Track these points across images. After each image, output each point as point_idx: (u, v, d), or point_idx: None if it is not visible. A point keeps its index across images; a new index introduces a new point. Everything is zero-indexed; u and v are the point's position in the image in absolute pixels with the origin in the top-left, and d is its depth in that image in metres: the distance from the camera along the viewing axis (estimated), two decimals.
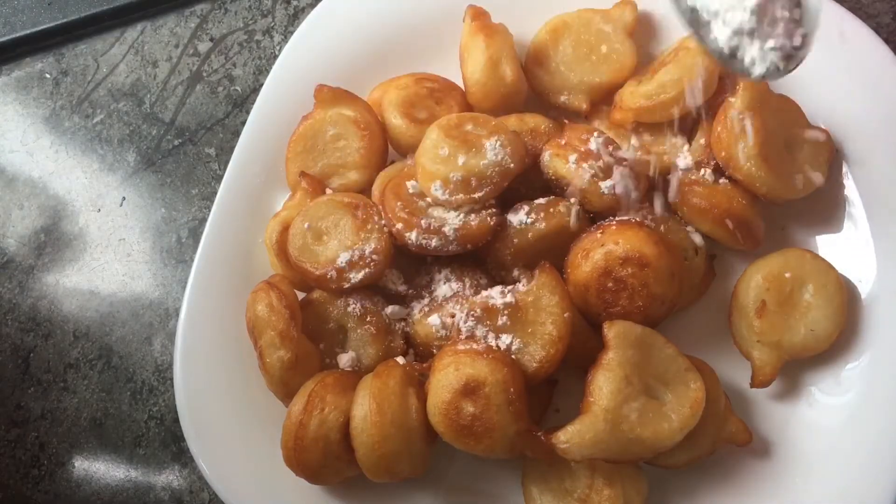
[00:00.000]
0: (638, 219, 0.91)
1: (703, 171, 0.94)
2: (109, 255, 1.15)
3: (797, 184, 0.92)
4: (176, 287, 1.11)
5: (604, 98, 1.01)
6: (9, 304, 1.15)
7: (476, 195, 0.90)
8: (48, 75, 1.24)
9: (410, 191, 0.93)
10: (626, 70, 1.00)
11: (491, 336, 0.87)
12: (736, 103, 0.90)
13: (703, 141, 0.95)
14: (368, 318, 0.93)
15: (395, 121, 1.00)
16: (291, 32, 1.19)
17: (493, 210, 0.91)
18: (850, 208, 0.95)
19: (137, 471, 1.05)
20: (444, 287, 0.94)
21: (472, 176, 0.89)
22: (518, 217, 0.91)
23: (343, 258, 0.91)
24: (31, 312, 1.14)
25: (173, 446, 1.06)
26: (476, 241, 0.90)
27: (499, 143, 0.90)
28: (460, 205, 0.91)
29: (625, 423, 0.81)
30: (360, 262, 0.91)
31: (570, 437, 0.81)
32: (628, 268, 0.86)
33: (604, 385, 0.82)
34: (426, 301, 0.95)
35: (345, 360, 0.93)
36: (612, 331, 0.83)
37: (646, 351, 0.84)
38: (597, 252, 0.87)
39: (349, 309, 0.93)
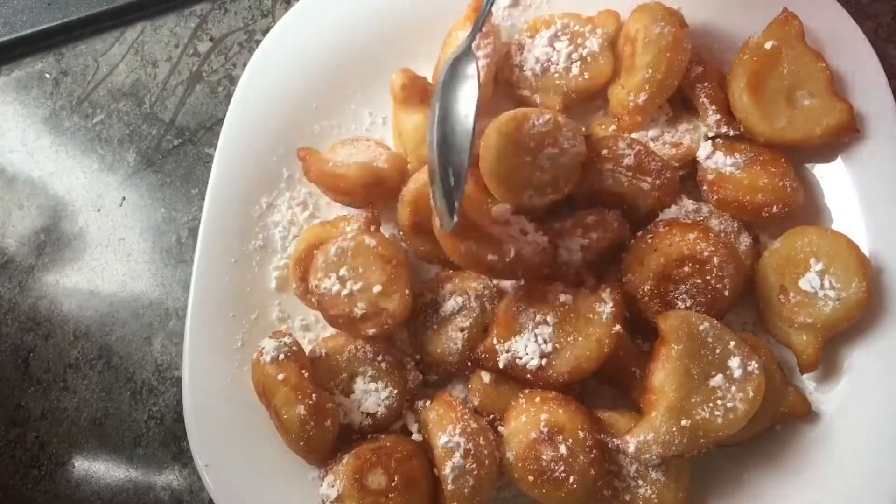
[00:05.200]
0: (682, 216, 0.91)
1: (724, 157, 0.94)
2: (109, 255, 1.15)
3: (779, 123, 0.93)
4: (176, 287, 1.11)
5: (576, 102, 1.01)
6: (9, 304, 1.15)
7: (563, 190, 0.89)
8: (48, 75, 1.24)
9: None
10: (604, 77, 1.00)
11: (530, 325, 0.87)
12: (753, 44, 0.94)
13: (712, 110, 0.96)
14: (380, 357, 0.93)
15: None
16: None
17: (544, 237, 0.89)
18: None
19: (137, 471, 1.05)
20: (451, 302, 0.93)
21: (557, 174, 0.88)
22: (575, 242, 0.90)
23: (360, 308, 0.90)
24: (31, 312, 1.14)
25: (173, 446, 1.06)
26: (534, 272, 0.89)
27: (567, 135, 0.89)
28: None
29: (691, 417, 0.81)
30: (375, 319, 0.90)
31: (640, 438, 0.81)
32: (686, 267, 0.86)
33: (666, 381, 0.81)
34: (435, 319, 0.94)
35: (364, 400, 0.92)
36: (667, 323, 0.83)
37: (702, 339, 0.83)
38: (652, 259, 0.88)
39: (359, 353, 0.93)
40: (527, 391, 0.88)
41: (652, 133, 0.98)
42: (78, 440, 1.08)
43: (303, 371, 0.89)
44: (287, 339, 0.91)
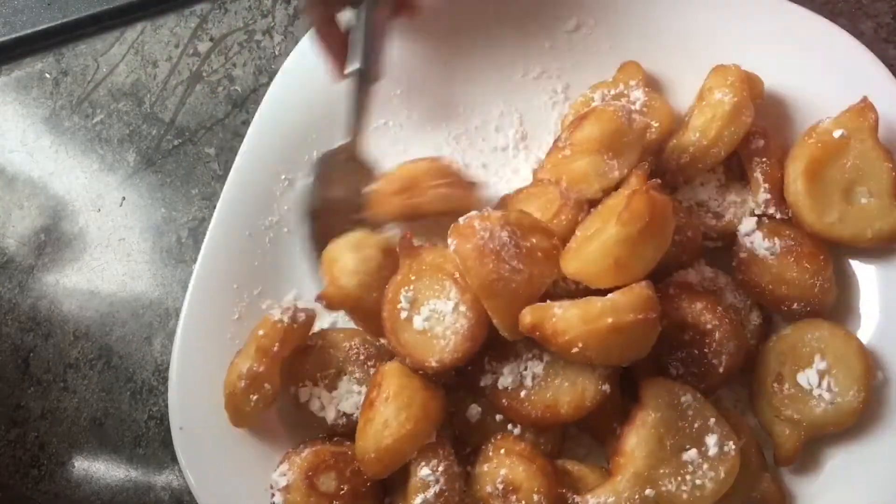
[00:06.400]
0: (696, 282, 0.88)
1: (762, 239, 0.89)
2: (109, 255, 1.15)
3: (830, 217, 0.88)
4: (176, 287, 1.11)
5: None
6: (9, 304, 1.15)
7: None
8: (48, 75, 1.24)
9: None
10: (669, 118, 0.96)
11: (524, 355, 0.85)
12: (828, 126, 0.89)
13: (764, 188, 0.91)
14: (371, 362, 0.92)
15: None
16: (291, 32, 1.19)
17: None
18: None
19: (137, 471, 1.05)
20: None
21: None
22: None
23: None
24: (31, 312, 1.14)
25: (173, 446, 1.05)
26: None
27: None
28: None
29: (656, 488, 0.78)
30: (448, 354, 0.84)
31: (599, 499, 0.79)
32: (686, 335, 0.83)
33: (637, 447, 0.78)
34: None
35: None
36: (649, 389, 0.80)
37: (681, 410, 0.80)
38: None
39: (351, 354, 0.93)
40: (498, 436, 0.86)
41: (699, 197, 0.94)
42: (78, 440, 1.08)
43: (277, 344, 0.88)
44: (301, 316, 0.92)
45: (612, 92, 0.98)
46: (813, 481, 0.87)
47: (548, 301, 0.81)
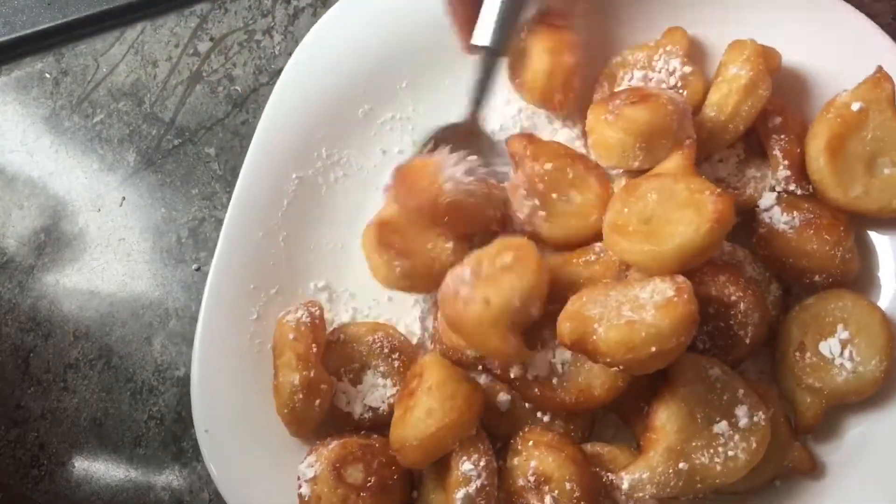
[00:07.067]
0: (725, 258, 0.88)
1: (781, 214, 0.90)
2: (109, 255, 1.15)
3: (855, 191, 0.88)
4: (176, 287, 1.11)
5: None
6: (9, 304, 1.15)
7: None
8: (48, 75, 1.24)
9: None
10: (699, 94, 0.94)
11: (550, 343, 0.85)
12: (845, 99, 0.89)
13: (784, 165, 0.91)
14: (395, 355, 0.93)
15: None
16: (291, 32, 1.19)
17: None
18: None
19: (137, 471, 1.05)
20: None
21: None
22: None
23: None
24: (31, 312, 1.14)
25: (173, 446, 1.06)
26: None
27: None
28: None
29: (689, 461, 0.79)
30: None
31: (634, 476, 0.79)
32: (710, 308, 0.83)
33: (668, 422, 0.79)
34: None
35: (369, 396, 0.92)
36: (677, 364, 0.80)
37: (710, 383, 0.81)
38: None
39: (375, 346, 0.93)
40: (526, 429, 0.86)
41: (719, 173, 0.94)
42: (78, 440, 1.08)
43: (313, 345, 0.89)
44: (315, 311, 0.92)
45: (654, 57, 0.96)
46: (836, 450, 0.88)
47: (585, 306, 0.80)
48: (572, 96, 0.97)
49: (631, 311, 0.77)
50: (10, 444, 1.09)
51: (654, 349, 0.75)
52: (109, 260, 1.15)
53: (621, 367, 0.77)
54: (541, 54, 0.95)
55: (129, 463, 1.06)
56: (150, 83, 1.21)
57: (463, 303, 0.81)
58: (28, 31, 1.23)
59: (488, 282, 0.80)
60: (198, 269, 1.11)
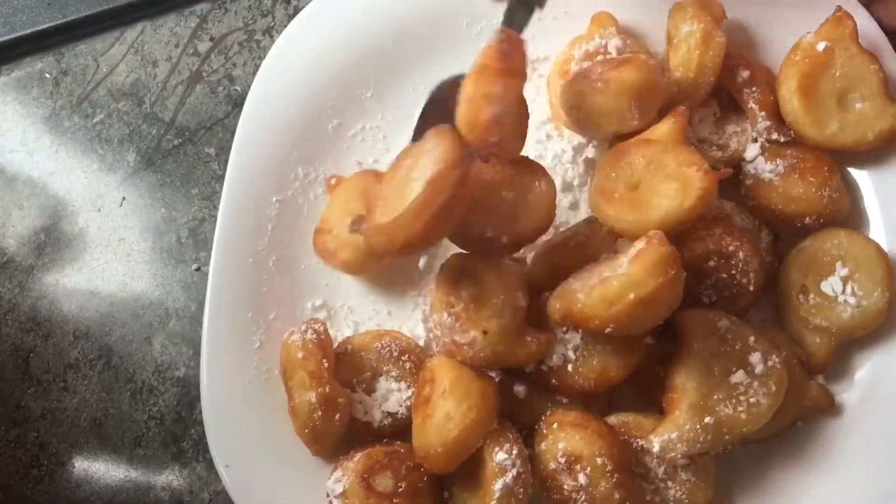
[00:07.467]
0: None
1: (765, 163, 0.92)
2: (109, 255, 1.15)
3: (830, 128, 0.90)
4: (176, 287, 1.11)
5: None
6: (9, 304, 1.15)
7: None
8: (48, 75, 1.24)
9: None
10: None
11: (558, 331, 0.85)
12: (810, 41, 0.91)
13: (761, 116, 0.93)
14: (405, 357, 0.92)
15: None
16: None
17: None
18: None
19: (137, 471, 1.06)
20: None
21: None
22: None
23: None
24: (31, 312, 1.14)
25: (173, 446, 1.06)
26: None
27: None
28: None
29: (714, 415, 0.80)
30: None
31: (664, 437, 0.80)
32: (711, 262, 0.85)
33: (687, 380, 0.80)
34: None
35: (387, 401, 0.92)
36: (687, 322, 0.82)
37: (721, 335, 0.82)
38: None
39: (384, 352, 0.92)
40: (547, 414, 0.86)
41: (700, 134, 0.95)
42: (78, 440, 1.08)
43: (324, 360, 0.88)
44: (318, 327, 0.92)
45: (591, 44, 0.97)
46: (850, 388, 0.90)
47: (568, 283, 0.82)
48: (515, 134, 0.85)
49: (609, 273, 0.79)
50: (10, 444, 1.09)
51: (632, 296, 0.75)
52: (109, 260, 1.15)
53: (613, 327, 0.78)
54: (462, 102, 0.82)
55: (129, 463, 1.06)
56: (150, 83, 1.21)
57: (468, 348, 0.82)
58: (28, 31, 1.23)
59: (468, 316, 0.82)
60: (198, 269, 1.11)
